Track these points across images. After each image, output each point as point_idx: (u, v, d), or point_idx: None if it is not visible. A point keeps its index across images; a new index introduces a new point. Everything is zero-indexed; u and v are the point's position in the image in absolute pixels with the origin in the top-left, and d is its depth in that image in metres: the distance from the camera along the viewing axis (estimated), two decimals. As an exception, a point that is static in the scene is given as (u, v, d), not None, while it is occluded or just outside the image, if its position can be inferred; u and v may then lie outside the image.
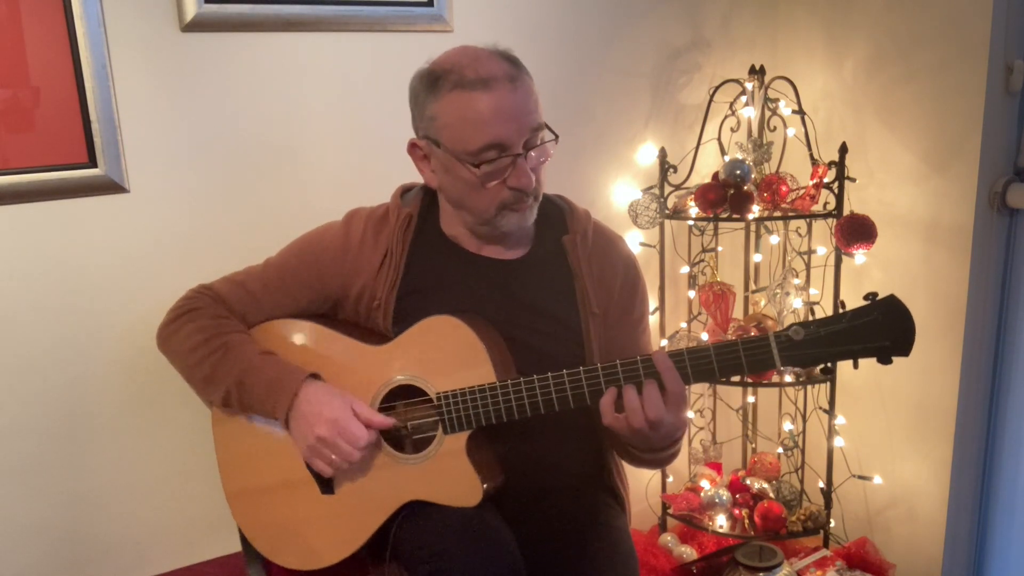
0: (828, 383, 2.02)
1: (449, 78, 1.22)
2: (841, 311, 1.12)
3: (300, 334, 1.36)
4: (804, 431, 2.13)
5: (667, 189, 2.07)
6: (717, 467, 2.23)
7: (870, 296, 1.12)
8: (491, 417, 1.22)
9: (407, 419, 1.29)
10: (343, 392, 1.27)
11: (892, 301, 1.11)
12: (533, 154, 1.25)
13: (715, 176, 2.02)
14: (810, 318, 2.11)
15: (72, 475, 1.58)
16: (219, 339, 1.31)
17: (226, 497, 1.40)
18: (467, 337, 1.24)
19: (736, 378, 1.88)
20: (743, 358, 1.13)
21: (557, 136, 1.29)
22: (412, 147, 1.32)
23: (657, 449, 1.26)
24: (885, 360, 1.11)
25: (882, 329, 1.10)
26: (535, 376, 1.20)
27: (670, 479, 2.25)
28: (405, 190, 1.43)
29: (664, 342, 2.12)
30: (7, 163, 1.44)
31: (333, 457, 1.24)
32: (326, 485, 1.32)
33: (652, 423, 1.15)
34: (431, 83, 1.24)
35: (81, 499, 1.60)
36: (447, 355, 1.26)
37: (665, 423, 1.16)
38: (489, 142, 1.21)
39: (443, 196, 1.35)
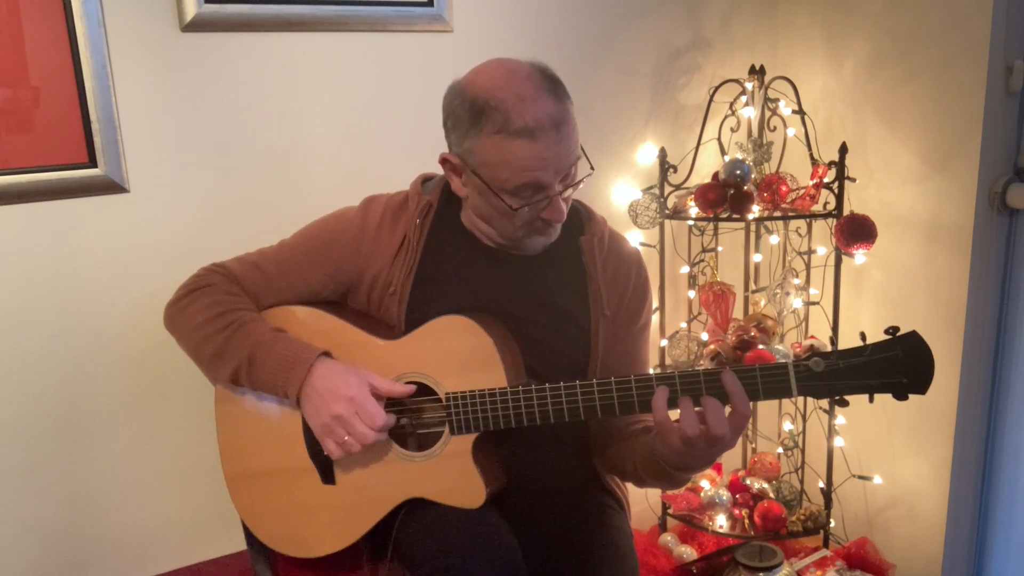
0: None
1: (494, 118, 1.17)
2: (862, 343, 1.11)
3: (312, 323, 1.35)
4: (804, 431, 2.13)
5: (667, 189, 2.07)
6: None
7: (891, 330, 1.10)
8: (499, 422, 1.22)
9: (414, 416, 1.29)
10: (358, 368, 1.25)
11: (914, 338, 1.10)
12: (569, 189, 1.25)
13: (715, 176, 2.02)
14: (811, 319, 2.11)
15: (72, 475, 1.58)
16: (231, 315, 1.29)
17: (225, 479, 1.38)
18: (480, 340, 1.24)
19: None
20: (760, 384, 1.13)
21: (593, 169, 1.27)
22: (444, 161, 1.29)
23: (693, 468, 1.20)
24: (901, 397, 1.10)
25: (902, 366, 1.09)
26: (547, 385, 1.20)
27: (670, 479, 2.25)
28: (425, 179, 1.42)
29: (664, 342, 2.12)
30: (7, 163, 1.43)
31: (347, 438, 1.22)
32: (328, 475, 1.32)
33: (712, 437, 1.10)
34: (474, 116, 1.19)
35: (81, 499, 1.60)
36: (458, 356, 1.26)
37: (725, 441, 1.12)
38: (526, 183, 1.19)
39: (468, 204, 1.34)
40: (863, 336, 1.14)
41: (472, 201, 1.31)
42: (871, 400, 1.12)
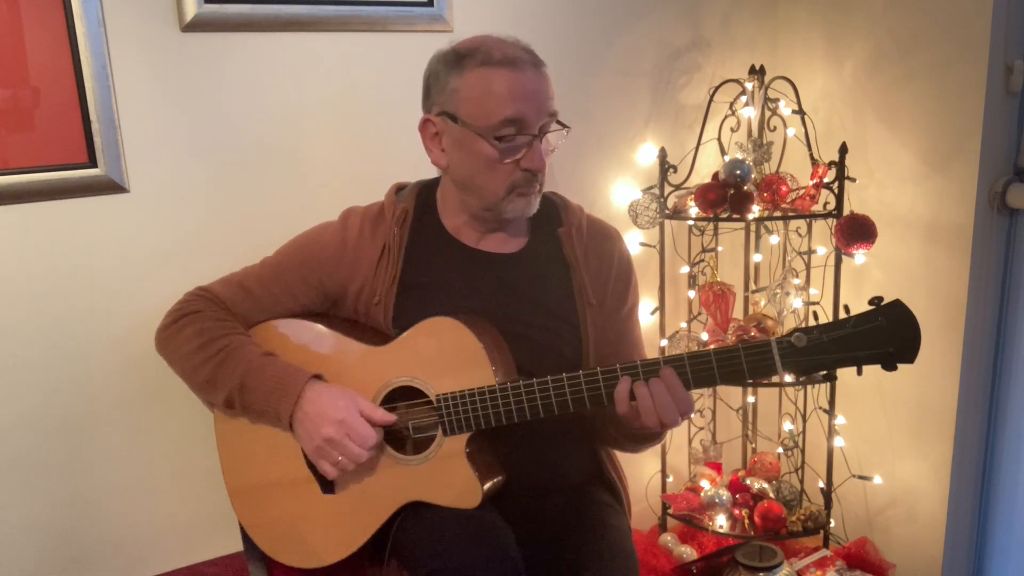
0: (828, 383, 2.02)
1: (476, 56, 1.26)
2: (845, 316, 1.11)
3: (300, 334, 1.36)
4: (804, 431, 2.13)
5: (667, 189, 2.07)
6: (717, 467, 2.23)
7: (875, 300, 1.10)
8: (491, 420, 1.22)
9: (407, 420, 1.29)
10: (346, 391, 1.26)
11: (897, 306, 1.09)
12: (548, 138, 1.29)
13: (715, 176, 2.02)
14: (811, 319, 2.11)
15: (72, 475, 1.58)
16: (220, 341, 1.31)
17: (228, 494, 1.40)
18: (467, 339, 1.24)
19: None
20: (744, 364, 1.13)
21: (568, 128, 1.31)
22: (425, 123, 1.33)
23: (657, 437, 1.35)
24: (890, 367, 1.09)
25: (887, 335, 1.08)
26: (535, 380, 1.20)
27: (670, 479, 2.25)
28: (399, 188, 1.44)
29: (664, 342, 2.12)
30: (7, 163, 1.43)
31: (340, 458, 1.24)
32: (327, 484, 1.33)
33: (663, 425, 1.19)
34: (456, 60, 1.27)
35: (81, 499, 1.60)
36: (447, 357, 1.26)
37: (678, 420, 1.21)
38: (509, 116, 1.23)
39: (450, 179, 1.36)
40: (847, 309, 1.13)
41: (454, 167, 1.32)
42: (859, 372, 1.11)
